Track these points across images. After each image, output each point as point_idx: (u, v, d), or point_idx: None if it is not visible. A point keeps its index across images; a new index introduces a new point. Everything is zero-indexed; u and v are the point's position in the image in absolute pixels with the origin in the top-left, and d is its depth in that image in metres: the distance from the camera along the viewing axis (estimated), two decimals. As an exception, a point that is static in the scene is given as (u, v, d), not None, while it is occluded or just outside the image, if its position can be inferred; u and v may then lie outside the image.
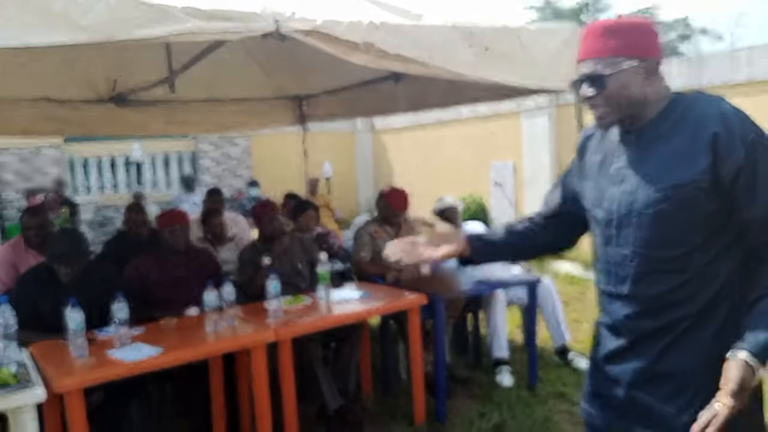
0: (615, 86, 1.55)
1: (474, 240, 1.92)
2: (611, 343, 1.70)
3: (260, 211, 4.22)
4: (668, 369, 1.59)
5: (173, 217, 3.93)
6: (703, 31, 29.71)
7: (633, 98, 1.56)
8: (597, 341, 1.79)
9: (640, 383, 1.63)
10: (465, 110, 9.63)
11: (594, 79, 1.57)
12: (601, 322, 1.76)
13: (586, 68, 1.59)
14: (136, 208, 4.83)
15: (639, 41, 1.56)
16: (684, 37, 29.64)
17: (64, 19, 2.13)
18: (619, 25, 1.56)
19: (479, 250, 1.93)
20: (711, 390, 1.48)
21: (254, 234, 5.62)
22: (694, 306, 1.55)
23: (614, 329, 1.69)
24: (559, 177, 1.94)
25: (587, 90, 1.59)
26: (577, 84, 1.63)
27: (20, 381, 2.36)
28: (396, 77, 4.66)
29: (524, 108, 8.93)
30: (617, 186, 1.63)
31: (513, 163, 9.44)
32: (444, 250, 1.92)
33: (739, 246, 1.54)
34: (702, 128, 1.50)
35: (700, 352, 1.55)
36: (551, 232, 1.91)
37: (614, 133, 1.69)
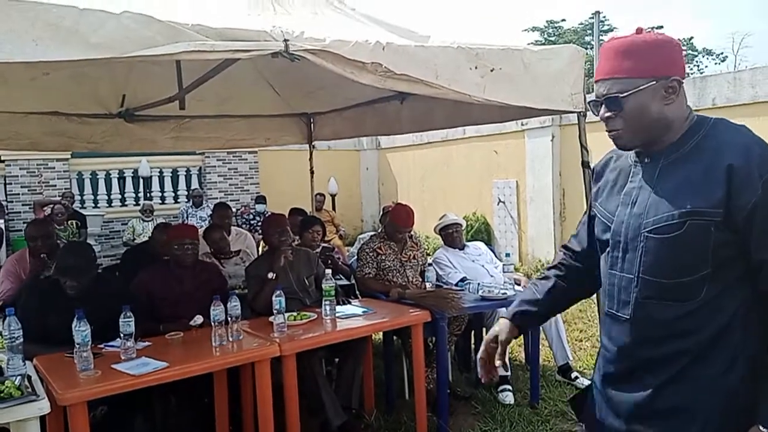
0: (632, 107, 1.49)
1: (518, 320, 1.85)
2: (611, 368, 1.63)
3: (269, 222, 4.25)
4: (668, 405, 1.51)
5: (183, 231, 3.95)
6: (707, 52, 29.86)
7: (652, 119, 1.50)
8: (598, 366, 1.72)
9: (639, 417, 1.56)
10: (469, 129, 9.69)
11: (610, 101, 1.52)
12: (604, 346, 1.69)
13: (603, 89, 1.53)
14: (165, 227, 4.81)
15: (657, 60, 1.49)
16: (688, 58, 29.78)
17: (75, 36, 2.15)
18: (637, 43, 1.50)
19: (525, 327, 1.89)
20: (717, 430, 1.44)
21: (260, 249, 5.67)
22: (700, 338, 1.47)
23: (615, 355, 1.62)
24: (586, 211, 1.88)
25: (604, 111, 1.54)
26: (594, 104, 1.58)
27: (24, 393, 2.37)
28: (401, 97, 4.71)
29: (528, 127, 8.98)
30: (628, 208, 1.57)
31: (516, 181, 9.47)
32: (503, 347, 1.83)
33: (753, 281, 1.46)
34: (719, 158, 1.42)
35: (705, 389, 1.47)
36: (585, 272, 1.82)
37: (631, 153, 1.63)
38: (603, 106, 1.54)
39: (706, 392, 1.47)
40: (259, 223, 9.13)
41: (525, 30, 32.68)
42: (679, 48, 1.53)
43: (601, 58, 1.56)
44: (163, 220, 8.05)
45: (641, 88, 1.48)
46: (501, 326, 1.83)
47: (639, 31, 1.53)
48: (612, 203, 1.64)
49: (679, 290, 1.47)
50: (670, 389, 1.51)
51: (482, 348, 1.85)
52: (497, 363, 1.78)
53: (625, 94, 1.49)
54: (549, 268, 1.92)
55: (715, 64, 29.68)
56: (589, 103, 1.63)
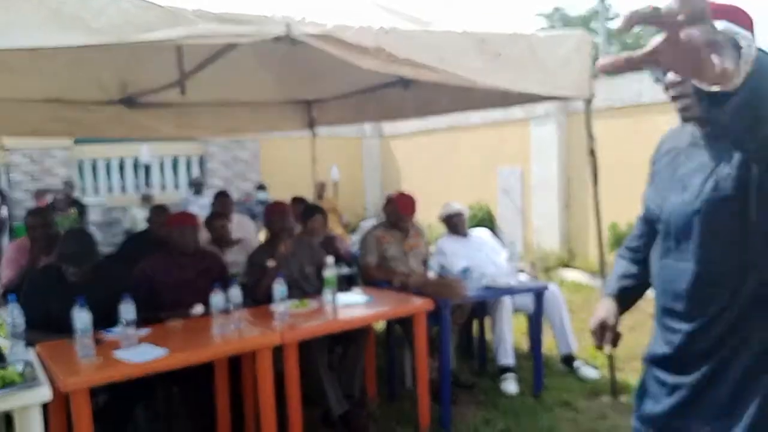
0: None
1: (620, 296, 1.81)
2: (668, 357, 1.58)
3: (272, 210, 4.23)
4: (720, 397, 1.48)
5: (183, 218, 3.95)
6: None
7: None
8: (653, 351, 1.65)
9: (683, 408, 1.54)
10: (474, 116, 9.62)
11: None
12: (661, 336, 1.62)
13: None
14: (161, 209, 4.83)
15: (741, 22, 1.37)
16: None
17: (77, 21, 2.14)
18: (716, 6, 1.37)
19: (626, 303, 1.83)
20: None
21: (261, 237, 5.65)
22: (758, 332, 1.42)
23: (675, 348, 1.55)
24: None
25: (673, 74, 1.44)
26: (658, 71, 1.47)
27: (26, 380, 2.36)
28: (405, 83, 4.68)
29: (533, 115, 8.92)
30: (679, 194, 1.51)
31: (521, 169, 9.43)
32: (613, 332, 1.79)
33: None
34: None
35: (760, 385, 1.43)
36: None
37: (686, 134, 1.56)
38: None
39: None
40: (261, 211, 9.12)
41: (533, 15, 32.43)
42: (752, 19, 1.44)
43: None
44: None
45: None
46: (605, 309, 1.77)
47: (711, 4, 1.44)
48: (665, 186, 1.57)
49: (734, 278, 1.42)
50: (722, 379, 1.47)
51: (593, 330, 1.79)
52: (607, 349, 1.76)
53: None
54: (631, 240, 1.85)
55: None
56: (652, 71, 1.49)
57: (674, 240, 1.52)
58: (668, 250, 1.54)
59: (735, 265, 1.42)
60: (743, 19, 1.40)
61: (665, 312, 1.58)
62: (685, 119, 1.51)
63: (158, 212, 4.72)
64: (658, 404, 1.62)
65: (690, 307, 1.50)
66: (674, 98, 1.49)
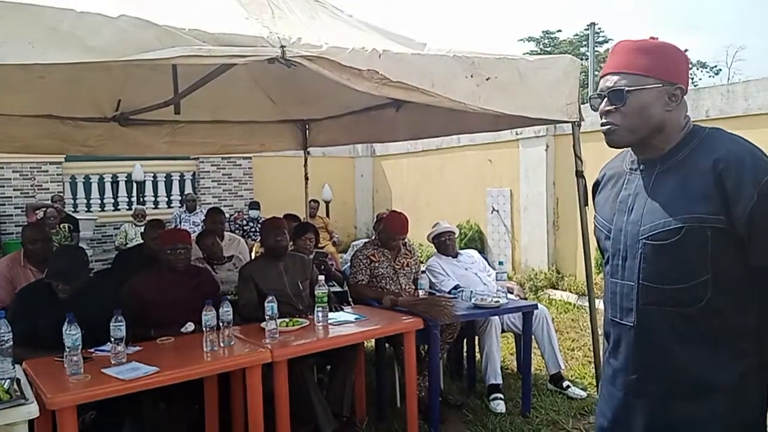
0: (634, 104, 1.50)
1: None
2: (619, 378, 1.62)
3: (267, 225, 4.23)
4: (677, 419, 1.50)
5: (176, 235, 3.93)
6: (701, 65, 30.04)
7: (650, 121, 1.51)
8: (606, 374, 1.70)
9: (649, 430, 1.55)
10: (464, 137, 9.70)
11: (614, 94, 1.52)
12: (610, 355, 1.67)
13: (609, 82, 1.54)
14: (156, 224, 4.81)
15: (668, 65, 1.51)
16: (682, 70, 29.79)
17: (72, 39, 2.15)
18: (650, 45, 1.53)
19: None
20: None
21: (253, 255, 5.65)
22: (707, 347, 1.46)
23: (622, 363, 1.60)
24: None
25: (605, 105, 1.55)
26: (596, 99, 1.58)
27: (13, 397, 2.35)
28: (397, 105, 4.72)
29: (522, 136, 9.00)
30: (625, 216, 1.58)
31: (510, 190, 9.49)
32: None
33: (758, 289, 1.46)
34: (712, 166, 1.43)
35: (714, 403, 1.46)
36: None
37: (627, 161, 1.65)
38: (605, 99, 1.55)
39: (716, 406, 1.46)
40: (253, 229, 9.11)
41: (521, 40, 32.80)
42: (687, 60, 1.57)
43: (612, 55, 1.58)
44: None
45: (647, 87, 1.50)
46: None
47: (653, 38, 1.56)
48: (608, 211, 1.64)
49: (679, 295, 1.47)
50: (678, 403, 1.50)
51: None
52: None
53: (631, 88, 1.50)
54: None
55: (709, 77, 29.83)
56: (590, 97, 1.64)
57: (621, 259, 1.58)
58: (616, 269, 1.60)
59: (680, 282, 1.47)
60: (679, 61, 1.53)
61: (615, 327, 1.63)
62: (612, 144, 1.60)
63: (154, 227, 4.71)
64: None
65: (639, 323, 1.54)
66: (603, 125, 1.58)
